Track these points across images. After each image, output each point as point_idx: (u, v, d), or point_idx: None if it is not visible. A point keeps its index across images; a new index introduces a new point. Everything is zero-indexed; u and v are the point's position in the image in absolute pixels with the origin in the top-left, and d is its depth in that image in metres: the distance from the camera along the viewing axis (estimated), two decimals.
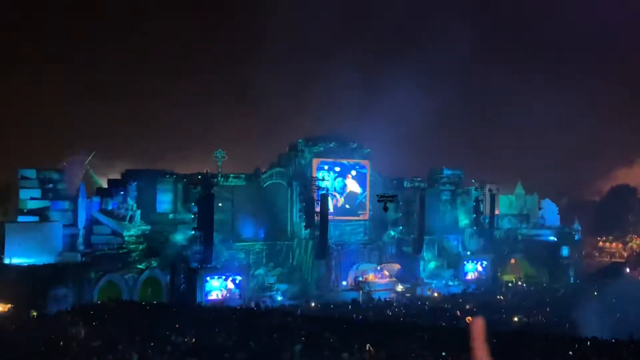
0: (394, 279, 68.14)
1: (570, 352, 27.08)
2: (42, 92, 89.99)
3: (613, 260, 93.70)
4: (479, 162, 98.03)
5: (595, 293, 61.11)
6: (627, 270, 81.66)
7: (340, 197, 70.35)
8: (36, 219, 55.09)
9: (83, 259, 52.03)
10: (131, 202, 58.09)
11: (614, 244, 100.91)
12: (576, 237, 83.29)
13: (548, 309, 55.79)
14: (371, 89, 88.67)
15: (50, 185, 57.19)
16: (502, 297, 64.77)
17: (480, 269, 75.23)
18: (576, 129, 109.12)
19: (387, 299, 61.93)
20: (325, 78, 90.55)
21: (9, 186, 58.76)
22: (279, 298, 61.10)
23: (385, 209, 60.72)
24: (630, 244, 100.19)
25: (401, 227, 72.96)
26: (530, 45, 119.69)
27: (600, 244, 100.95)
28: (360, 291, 63.97)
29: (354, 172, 71.08)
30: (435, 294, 65.78)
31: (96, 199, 57.95)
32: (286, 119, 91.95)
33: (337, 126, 76.25)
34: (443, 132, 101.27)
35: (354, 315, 48.48)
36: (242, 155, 76.16)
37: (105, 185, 62.67)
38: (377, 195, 62.25)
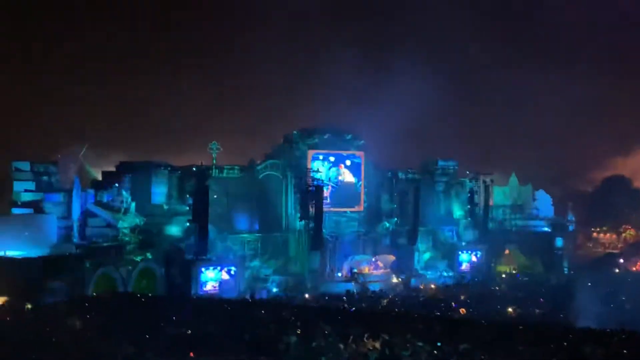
0: (389, 270, 68.30)
1: (564, 343, 27.21)
2: (36, 85, 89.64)
3: (607, 251, 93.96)
4: (473, 153, 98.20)
5: (590, 284, 61.36)
6: (621, 261, 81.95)
7: (335, 186, 70.20)
8: (30, 211, 54.87)
9: (78, 251, 51.87)
10: (126, 194, 57.97)
11: (607, 234, 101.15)
12: (570, 228, 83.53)
13: (542, 300, 56.03)
14: (366, 80, 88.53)
15: (45, 177, 56.98)
16: (497, 288, 65.03)
17: (474, 259, 75.39)
18: (571, 119, 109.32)
19: (382, 290, 62.10)
20: (320, 70, 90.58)
21: (3, 179, 58.48)
22: (274, 289, 61.21)
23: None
24: (624, 235, 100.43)
25: (396, 219, 73.01)
26: (524, 35, 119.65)
27: (595, 234, 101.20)
28: (355, 282, 64.12)
29: (348, 162, 71.03)
30: (432, 286, 66.03)
31: (91, 191, 57.78)
32: (281, 111, 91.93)
33: (332, 118, 76.18)
34: (437, 124, 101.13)
35: (349, 307, 48.59)
36: (236, 147, 76.02)
37: (99, 177, 62.53)
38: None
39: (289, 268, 64.72)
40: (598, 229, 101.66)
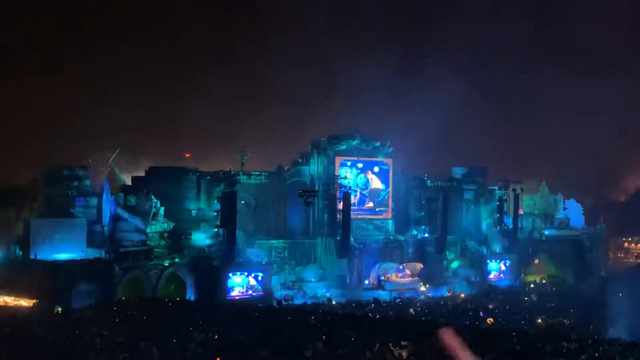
0: (417, 278, 67.88)
1: (595, 354, 26.82)
2: (67, 90, 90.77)
3: (639, 261, 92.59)
4: (503, 161, 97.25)
5: (620, 294, 60.39)
6: None
7: (362, 193, 70.00)
8: (61, 215, 55.57)
9: (107, 255, 52.39)
10: (155, 199, 58.42)
11: (639, 244, 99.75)
12: (601, 238, 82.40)
13: (572, 310, 55.28)
14: (395, 87, 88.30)
15: (75, 182, 57.67)
16: (526, 298, 64.31)
17: (503, 268, 74.66)
18: (603, 127, 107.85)
19: (410, 298, 61.74)
20: (350, 76, 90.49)
21: (34, 183, 59.31)
22: (300, 296, 61.15)
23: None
24: None
25: (424, 227, 72.62)
26: (555, 42, 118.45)
27: (626, 244, 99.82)
28: (382, 290, 63.85)
29: (376, 169, 70.86)
30: (462, 295, 65.55)
31: (120, 196, 58.37)
32: (310, 117, 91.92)
33: (361, 124, 75.96)
34: (467, 131, 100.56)
35: (376, 314, 48.39)
36: (264, 154, 76.30)
37: (129, 182, 63.10)
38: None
39: (316, 275, 64.60)
40: (629, 239, 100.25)
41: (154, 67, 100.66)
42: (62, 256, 51.29)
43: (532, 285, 72.69)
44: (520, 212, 79.63)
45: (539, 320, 50.75)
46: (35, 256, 50.87)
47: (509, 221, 77.37)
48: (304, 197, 61.68)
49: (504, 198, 77.28)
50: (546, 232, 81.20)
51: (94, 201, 56.47)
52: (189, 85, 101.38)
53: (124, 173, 64.57)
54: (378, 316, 46.41)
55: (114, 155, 62.26)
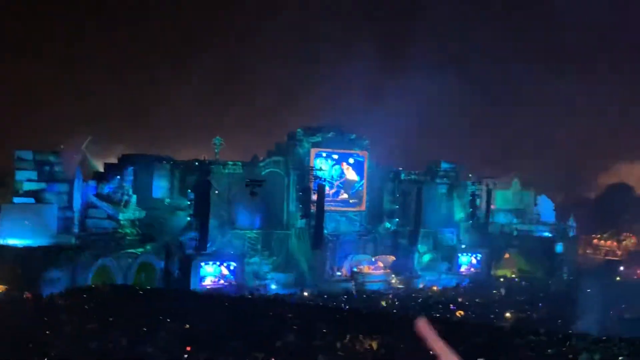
0: (389, 270, 68.24)
1: (562, 348, 27.16)
2: (41, 76, 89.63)
3: (607, 258, 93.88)
4: (477, 156, 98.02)
5: (589, 290, 61.24)
6: (622, 268, 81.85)
7: (334, 185, 70.04)
8: (32, 200, 54.93)
9: (77, 241, 51.90)
10: (127, 186, 57.96)
11: (608, 241, 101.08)
12: (571, 234, 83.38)
13: (541, 305, 55.97)
14: (372, 80, 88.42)
15: (47, 167, 56.94)
16: (495, 292, 64.96)
17: (474, 262, 75.32)
18: (576, 125, 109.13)
19: (381, 291, 62.05)
20: (326, 68, 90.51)
21: (5, 168, 58.53)
22: (273, 286, 61.14)
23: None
24: (625, 242, 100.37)
25: (397, 219, 72.92)
26: (530, 40, 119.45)
27: (595, 241, 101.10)
28: (354, 282, 64.09)
29: (351, 160, 70.91)
30: (435, 288, 66.07)
31: (92, 183, 57.84)
32: (285, 108, 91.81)
33: (337, 117, 75.95)
34: (442, 126, 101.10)
35: (347, 306, 48.57)
36: (239, 143, 76.04)
37: (101, 169, 62.53)
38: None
39: (288, 265, 64.65)
40: (599, 236, 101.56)
41: (131, 54, 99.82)
42: (32, 242, 50.73)
43: (502, 280, 73.42)
44: (493, 207, 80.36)
45: (508, 314, 51.33)
46: (6, 241, 50.30)
47: (481, 216, 78.03)
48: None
49: (476, 193, 77.84)
50: (517, 227, 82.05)
51: (65, 187, 55.88)
52: (164, 73, 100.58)
53: (96, 159, 63.79)
54: (349, 307, 46.60)
55: (86, 142, 61.37)
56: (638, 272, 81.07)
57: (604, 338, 30.20)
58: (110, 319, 30.41)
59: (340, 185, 70.43)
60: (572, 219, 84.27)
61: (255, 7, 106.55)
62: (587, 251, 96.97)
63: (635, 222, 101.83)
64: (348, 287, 61.38)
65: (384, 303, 54.91)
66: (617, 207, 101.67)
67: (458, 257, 74.41)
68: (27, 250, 49.48)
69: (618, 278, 76.53)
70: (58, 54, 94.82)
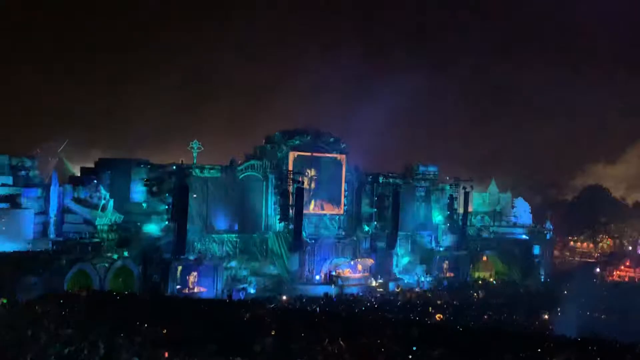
0: (367, 273, 68.36)
1: (538, 350, 27.32)
2: (15, 79, 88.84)
3: (583, 259, 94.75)
4: (454, 159, 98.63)
5: (565, 292, 61.80)
6: (598, 270, 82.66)
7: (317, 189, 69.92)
8: (7, 205, 54.38)
9: (54, 247, 51.46)
10: (104, 191, 57.54)
11: (585, 243, 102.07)
12: (547, 236, 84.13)
13: (518, 307, 56.31)
14: (351, 84, 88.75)
15: (23, 172, 56.47)
16: (474, 294, 65.30)
17: (452, 264, 75.61)
18: (554, 128, 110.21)
19: (360, 294, 62.12)
20: (305, 72, 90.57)
21: None
22: (252, 290, 61.01)
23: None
24: (601, 244, 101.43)
25: (375, 223, 73.02)
26: (508, 42, 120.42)
27: (572, 243, 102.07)
28: (333, 285, 64.12)
29: (330, 165, 70.71)
30: (416, 289, 66.28)
31: (68, 187, 57.34)
32: (264, 111, 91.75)
33: (316, 120, 76.13)
34: (422, 130, 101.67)
35: (326, 309, 48.53)
36: (217, 147, 75.80)
37: (78, 173, 62.03)
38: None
39: (267, 269, 64.50)
40: (575, 238, 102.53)
41: (107, 56, 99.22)
42: (8, 247, 50.19)
43: (479, 282, 73.83)
44: (470, 209, 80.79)
45: (486, 317, 51.61)
46: None
47: (459, 218, 78.40)
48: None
49: (454, 196, 78.22)
50: (494, 230, 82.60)
51: (41, 192, 55.39)
52: (141, 77, 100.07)
53: (73, 163, 63.35)
54: (328, 311, 46.55)
55: (62, 146, 61.07)
56: (614, 273, 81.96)
57: (580, 339, 30.43)
58: (87, 325, 30.12)
59: (318, 190, 70.19)
60: (548, 222, 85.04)
61: (231, 9, 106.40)
62: (564, 253, 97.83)
63: (610, 223, 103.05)
64: (327, 290, 61.37)
65: (362, 307, 54.91)
66: (593, 209, 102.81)
67: (436, 259, 74.68)
68: (2, 256, 48.95)
69: (594, 280, 77.28)
70: (32, 57, 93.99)
